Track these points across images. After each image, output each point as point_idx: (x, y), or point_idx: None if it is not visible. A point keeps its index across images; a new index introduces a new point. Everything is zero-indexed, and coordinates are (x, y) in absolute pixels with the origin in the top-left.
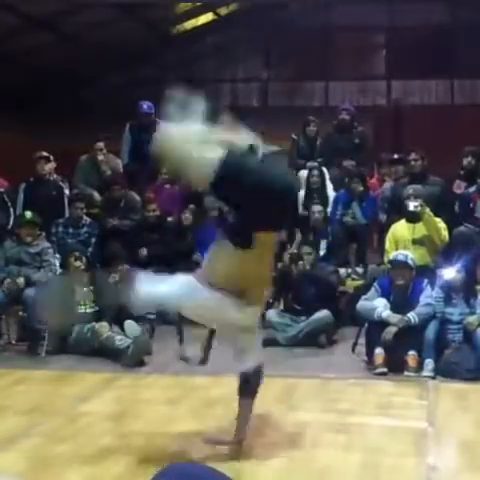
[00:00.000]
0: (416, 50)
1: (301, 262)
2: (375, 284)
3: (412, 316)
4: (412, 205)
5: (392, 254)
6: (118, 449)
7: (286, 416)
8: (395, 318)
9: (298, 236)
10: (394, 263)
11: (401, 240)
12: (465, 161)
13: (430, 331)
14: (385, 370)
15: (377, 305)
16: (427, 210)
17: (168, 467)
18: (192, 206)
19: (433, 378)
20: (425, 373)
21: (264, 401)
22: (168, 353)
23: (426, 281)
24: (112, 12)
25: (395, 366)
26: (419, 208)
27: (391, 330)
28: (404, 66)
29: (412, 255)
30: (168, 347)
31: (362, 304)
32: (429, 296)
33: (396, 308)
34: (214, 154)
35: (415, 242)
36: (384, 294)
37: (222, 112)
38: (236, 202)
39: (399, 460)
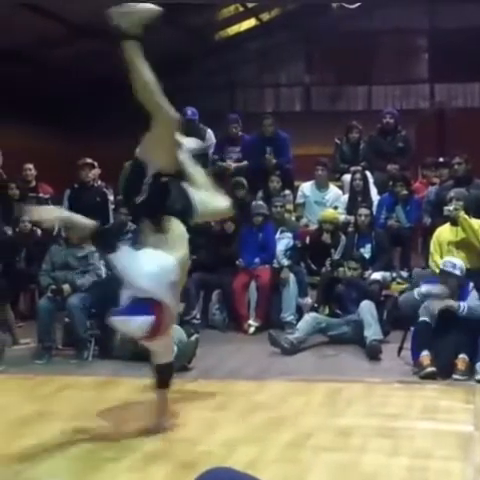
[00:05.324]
0: (459, 53)
1: (341, 269)
2: (421, 283)
3: (463, 305)
4: (446, 209)
5: (441, 261)
6: (163, 454)
7: (331, 421)
8: (436, 288)
9: (342, 239)
10: (441, 271)
11: (445, 243)
12: None
13: None
14: (434, 369)
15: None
16: (462, 213)
17: (208, 472)
18: (234, 212)
19: None
20: (478, 377)
21: (309, 405)
22: (213, 358)
23: (471, 285)
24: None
25: (442, 371)
26: (453, 212)
27: (438, 304)
28: (447, 69)
29: (460, 262)
30: (213, 352)
31: (403, 296)
32: (475, 299)
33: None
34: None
35: (457, 245)
36: None
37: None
38: None
39: (446, 464)
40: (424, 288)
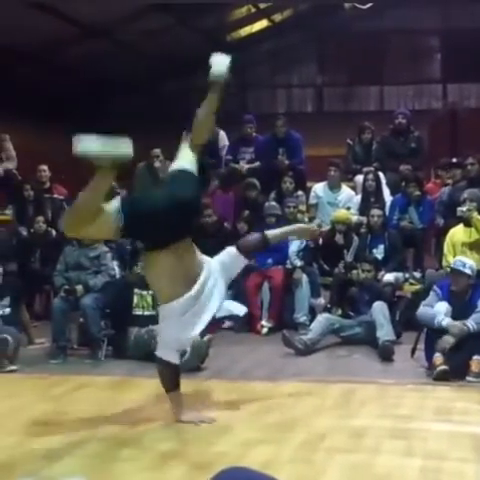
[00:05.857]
0: (472, 53)
1: (355, 271)
2: (435, 287)
3: (471, 324)
4: (459, 210)
5: (452, 260)
6: (178, 454)
7: (345, 422)
8: (455, 328)
9: (355, 240)
10: (452, 269)
11: (458, 244)
12: None
13: None
14: (446, 367)
15: (438, 310)
16: (475, 214)
17: (224, 472)
18: (247, 213)
19: None
20: None
21: (322, 406)
22: (226, 358)
23: None
24: (167, 20)
25: (456, 372)
26: (466, 213)
27: (449, 340)
28: (460, 69)
29: (471, 261)
30: (225, 352)
31: (422, 310)
32: None
33: (455, 312)
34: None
35: (471, 246)
36: (444, 296)
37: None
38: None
39: (460, 466)
40: (445, 323)
